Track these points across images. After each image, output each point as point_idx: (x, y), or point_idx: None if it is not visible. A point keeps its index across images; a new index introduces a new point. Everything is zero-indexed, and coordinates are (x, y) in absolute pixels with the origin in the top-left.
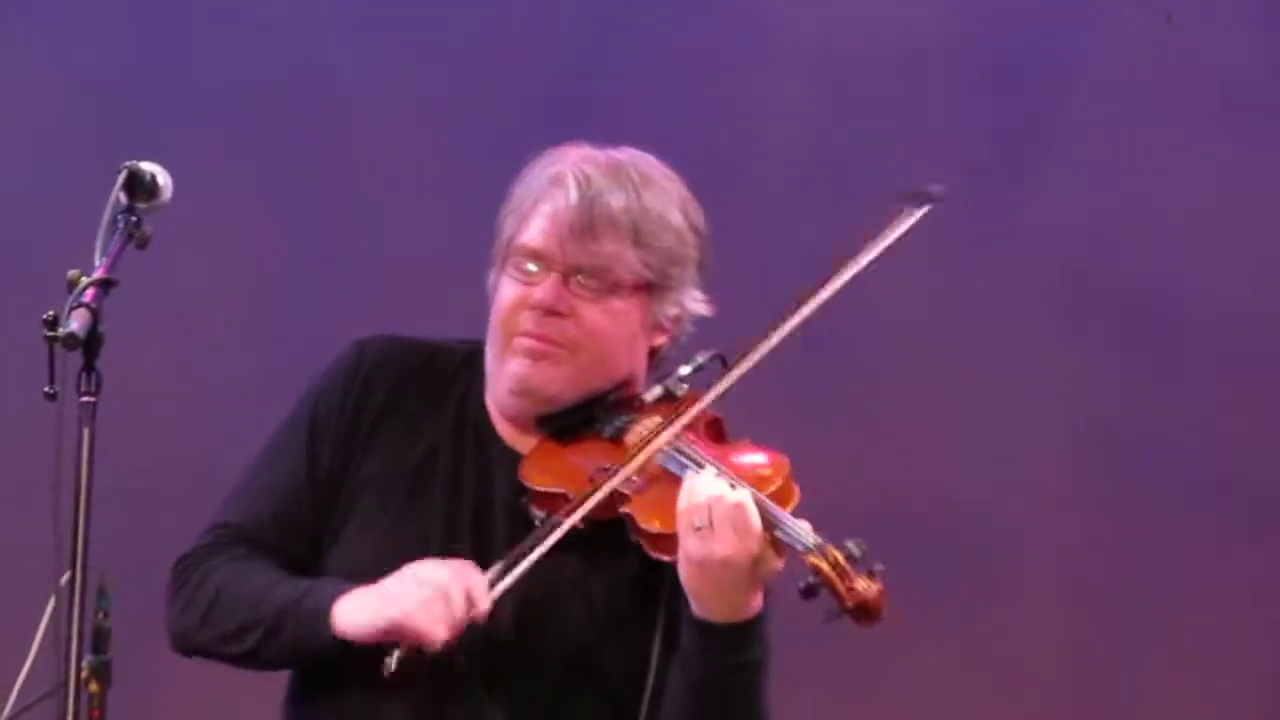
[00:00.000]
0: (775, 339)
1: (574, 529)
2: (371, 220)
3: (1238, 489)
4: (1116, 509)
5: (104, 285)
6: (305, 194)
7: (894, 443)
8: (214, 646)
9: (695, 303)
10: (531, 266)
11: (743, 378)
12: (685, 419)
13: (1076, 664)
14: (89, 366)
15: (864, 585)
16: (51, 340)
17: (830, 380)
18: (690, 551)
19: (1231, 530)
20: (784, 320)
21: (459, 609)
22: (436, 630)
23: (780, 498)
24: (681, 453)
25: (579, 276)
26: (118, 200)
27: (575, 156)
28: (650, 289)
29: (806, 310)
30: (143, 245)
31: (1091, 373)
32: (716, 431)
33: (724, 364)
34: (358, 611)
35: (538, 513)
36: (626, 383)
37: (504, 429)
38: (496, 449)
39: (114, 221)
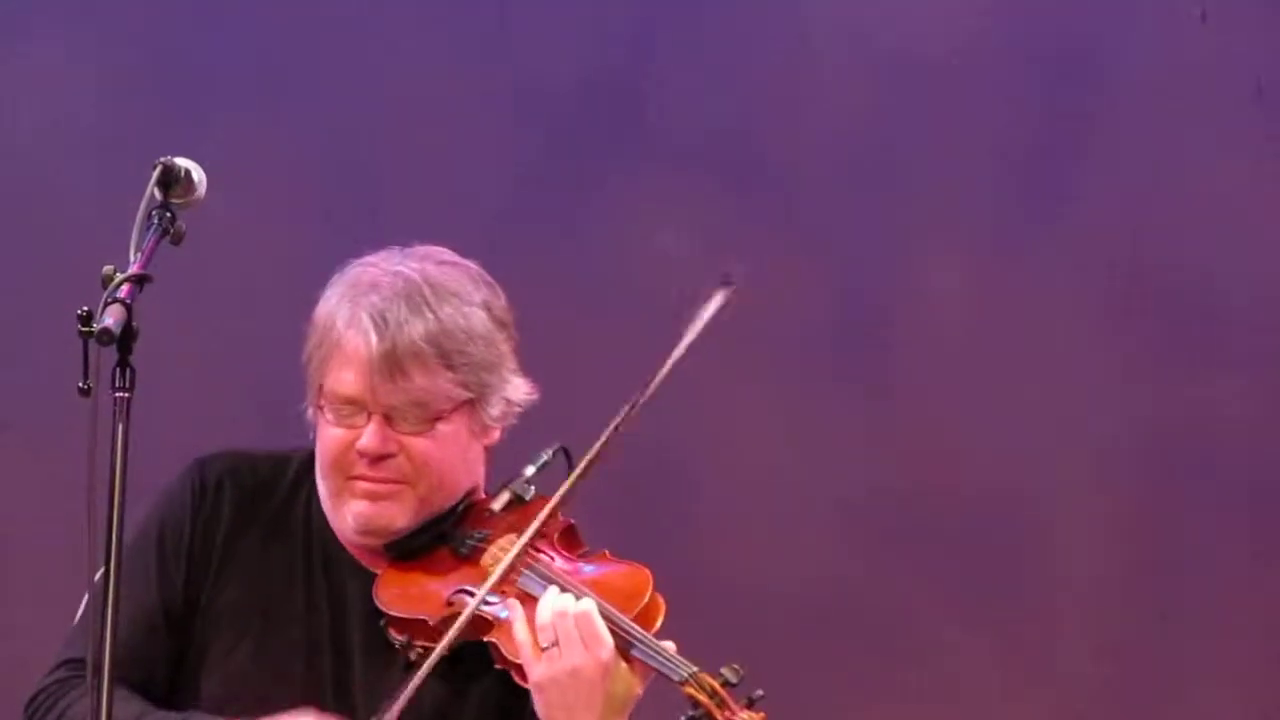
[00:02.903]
0: (608, 434)
1: (441, 658)
2: (409, 217)
3: (1274, 481)
4: (1153, 501)
5: (138, 281)
6: (341, 189)
7: (931, 433)
8: None
9: (518, 392)
10: (348, 411)
11: (584, 476)
12: (534, 529)
13: (1110, 654)
14: (123, 362)
15: (746, 717)
16: (86, 336)
17: (869, 372)
18: (539, 677)
19: (1266, 522)
20: (619, 416)
21: None
22: None
23: (645, 616)
24: (536, 571)
25: (399, 414)
26: (152, 196)
27: (366, 288)
28: (472, 402)
29: (639, 401)
30: (177, 241)
31: (1129, 366)
32: (571, 539)
33: (568, 457)
34: None
35: (397, 637)
36: (470, 492)
37: (353, 550)
38: (349, 570)
39: (148, 217)
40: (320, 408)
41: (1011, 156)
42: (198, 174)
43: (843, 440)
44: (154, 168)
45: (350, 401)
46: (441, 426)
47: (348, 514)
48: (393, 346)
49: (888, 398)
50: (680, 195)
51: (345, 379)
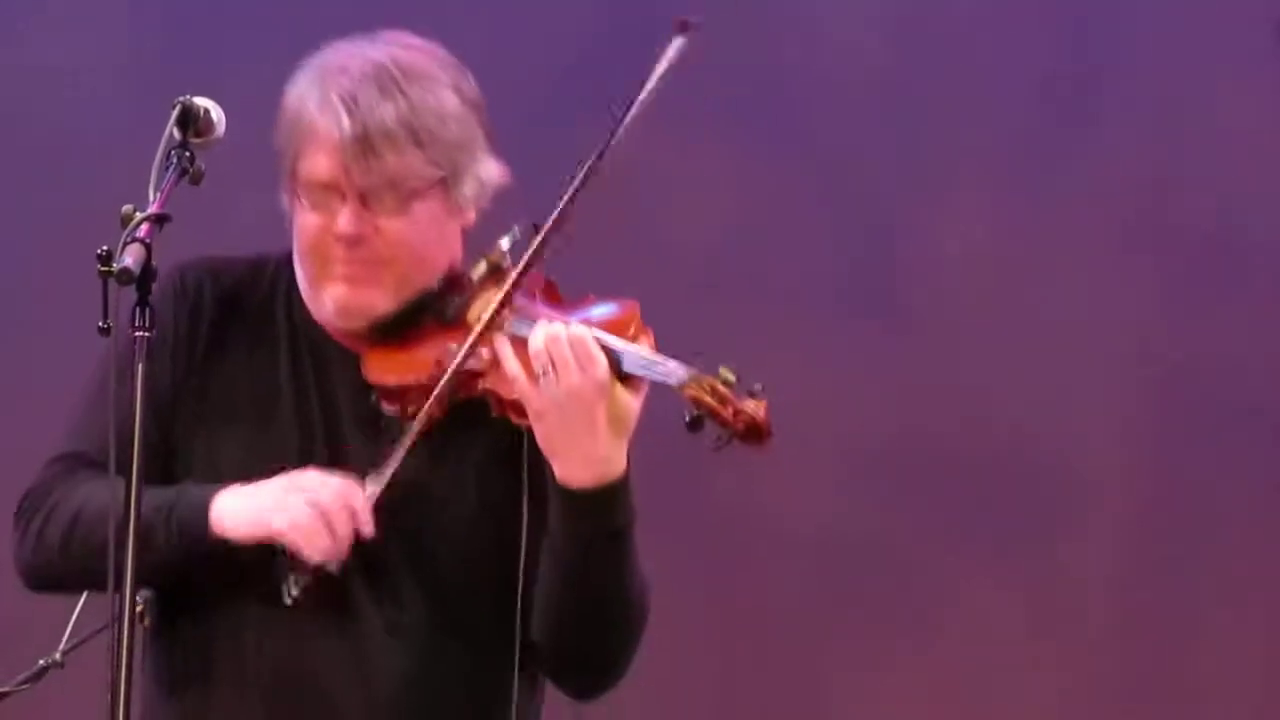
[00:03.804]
0: (574, 188)
1: (433, 417)
2: None
3: None
4: (1179, 442)
5: (158, 220)
6: None
7: (953, 376)
8: (78, 573)
9: (491, 172)
10: (323, 196)
11: (555, 232)
12: (514, 277)
13: (1138, 603)
14: (143, 302)
15: (751, 406)
16: (106, 275)
17: (891, 316)
18: (537, 404)
19: None
20: (580, 170)
21: (344, 534)
22: (321, 557)
23: (635, 338)
24: (522, 317)
25: (374, 196)
26: (171, 135)
27: (335, 71)
28: (445, 181)
29: (598, 157)
30: (196, 181)
31: (1153, 307)
32: (553, 294)
33: (536, 228)
34: (236, 515)
35: (389, 408)
36: (449, 270)
37: (337, 334)
38: (334, 354)
39: (167, 157)
40: (296, 194)
41: (1031, 97)
42: (217, 113)
43: (865, 383)
44: (173, 107)
45: (324, 185)
46: (416, 206)
47: (327, 299)
48: (364, 128)
49: (910, 341)
50: (699, 139)
51: (319, 163)
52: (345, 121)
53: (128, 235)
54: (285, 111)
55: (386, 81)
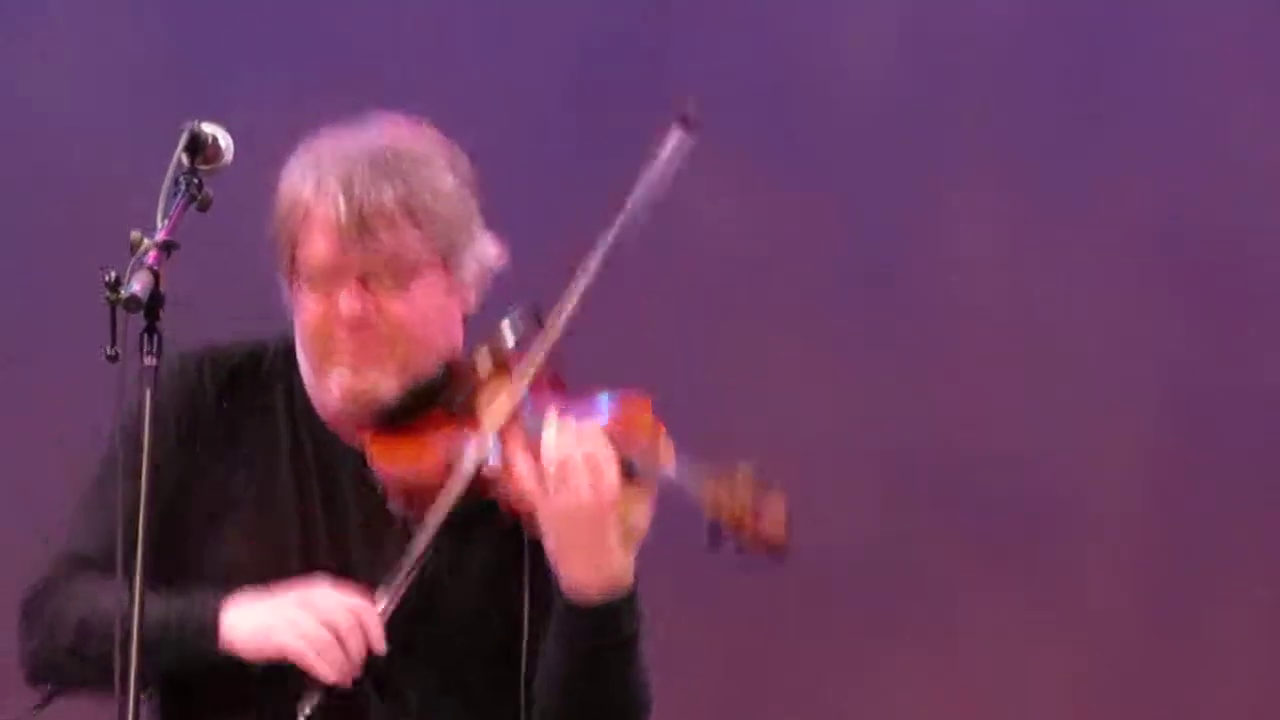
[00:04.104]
0: (583, 281)
1: (444, 524)
2: None
3: None
4: (1183, 456)
5: (166, 247)
6: None
7: (961, 389)
8: (86, 677)
9: (488, 251)
10: (323, 280)
11: (564, 326)
12: (526, 381)
13: (1137, 604)
14: (150, 329)
15: (768, 525)
16: (113, 303)
17: (900, 329)
18: (547, 513)
19: None
20: (588, 261)
21: (357, 653)
22: (336, 678)
23: (650, 443)
24: (533, 415)
25: (373, 277)
26: (179, 161)
27: (329, 156)
28: (444, 261)
29: (606, 246)
30: (204, 208)
31: (1158, 322)
32: (559, 386)
33: (537, 312)
34: (246, 629)
35: (395, 506)
36: (452, 356)
37: (338, 427)
38: (337, 447)
39: (175, 183)
40: (295, 283)
41: (1045, 114)
42: (225, 139)
43: (876, 399)
44: (181, 133)
45: (324, 269)
46: (416, 286)
47: (333, 384)
48: (360, 210)
49: (919, 355)
50: (708, 153)
51: (317, 248)
52: (342, 204)
53: (135, 262)
54: (281, 200)
55: (381, 164)
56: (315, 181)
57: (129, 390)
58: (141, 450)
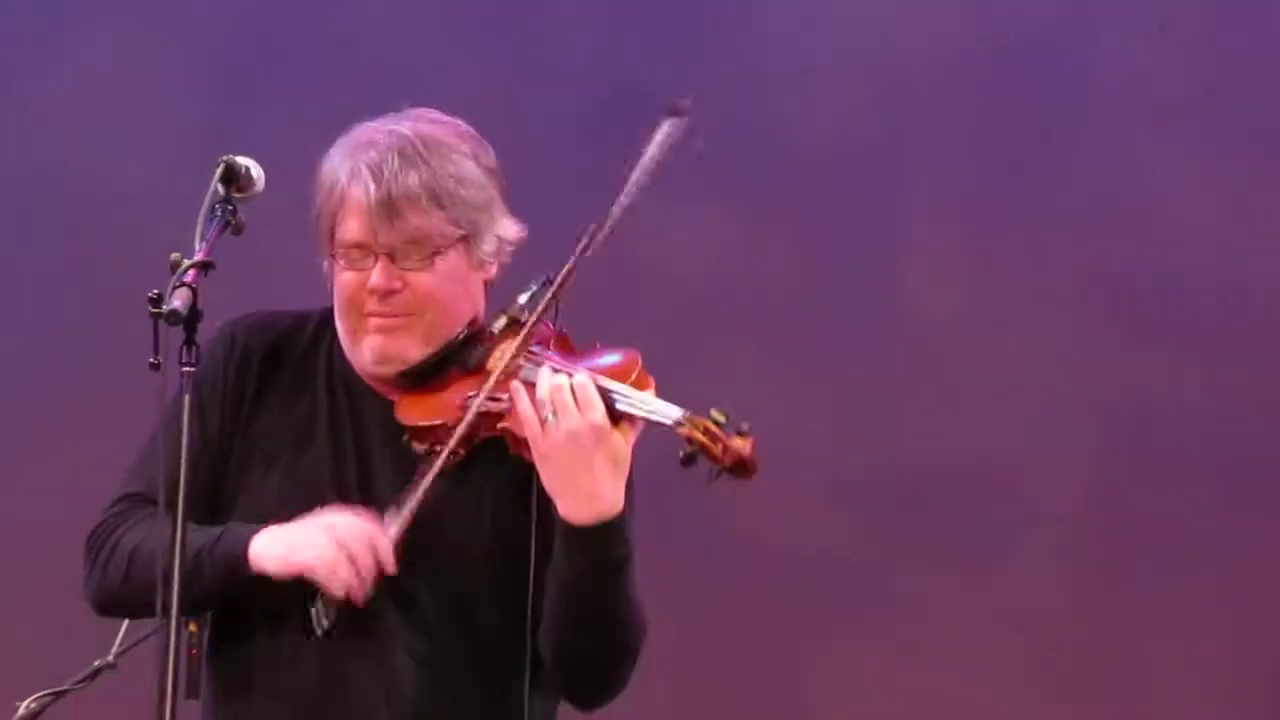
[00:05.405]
0: (576, 255)
1: (454, 455)
2: None
3: (1250, 464)
4: (1123, 470)
5: (203, 267)
6: None
7: (921, 412)
8: (138, 602)
9: (509, 230)
10: (357, 256)
11: (564, 288)
12: (529, 328)
13: (1081, 612)
14: (189, 340)
15: (739, 444)
16: (156, 316)
17: (855, 359)
18: (541, 445)
19: (1226, 482)
20: (582, 240)
21: (366, 570)
22: (346, 591)
23: (638, 385)
24: (536, 364)
25: (401, 253)
26: (215, 191)
27: (364, 145)
28: (465, 239)
29: (597, 229)
30: (238, 232)
31: (1097, 351)
32: (565, 345)
33: (549, 284)
34: (271, 552)
35: (419, 447)
36: (472, 322)
37: (372, 382)
38: (369, 399)
39: (212, 210)
40: (333, 256)
41: (1003, 156)
42: (256, 170)
43: (842, 416)
44: (216, 165)
45: (357, 246)
46: (440, 261)
47: (365, 348)
48: (389, 193)
49: (875, 383)
50: (689, 197)
51: (351, 227)
52: (372, 188)
53: (176, 280)
54: (320, 184)
55: (410, 152)
56: (350, 168)
57: (170, 392)
58: (194, 405)
